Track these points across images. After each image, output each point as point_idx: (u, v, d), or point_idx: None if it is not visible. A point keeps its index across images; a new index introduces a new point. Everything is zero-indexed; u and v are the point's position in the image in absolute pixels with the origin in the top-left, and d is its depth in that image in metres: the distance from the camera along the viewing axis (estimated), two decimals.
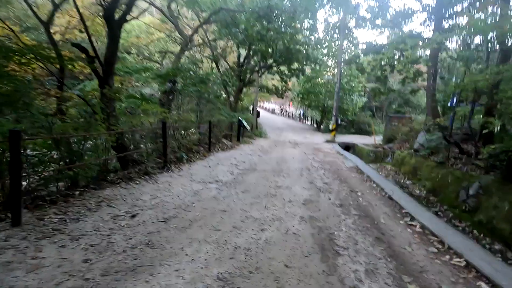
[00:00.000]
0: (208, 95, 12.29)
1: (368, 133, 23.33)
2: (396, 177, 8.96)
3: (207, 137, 9.00)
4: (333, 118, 17.74)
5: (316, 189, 5.78)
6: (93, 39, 14.90)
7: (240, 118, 12.21)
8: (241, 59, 18.25)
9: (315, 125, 27.73)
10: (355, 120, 23.86)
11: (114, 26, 6.10)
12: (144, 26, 20.84)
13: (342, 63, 17.73)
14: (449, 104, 12.84)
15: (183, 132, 8.40)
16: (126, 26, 23.95)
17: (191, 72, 9.51)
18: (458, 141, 7.95)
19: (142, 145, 6.51)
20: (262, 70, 18.71)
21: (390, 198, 5.54)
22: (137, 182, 4.95)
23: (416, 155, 9.25)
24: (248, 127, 12.63)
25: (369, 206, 4.91)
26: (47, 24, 7.17)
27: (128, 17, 8.27)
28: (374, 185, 6.56)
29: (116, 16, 6.30)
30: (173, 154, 7.01)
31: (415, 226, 4.20)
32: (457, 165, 7.17)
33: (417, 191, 7.40)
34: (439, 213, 5.67)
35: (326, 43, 19.96)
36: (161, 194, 4.49)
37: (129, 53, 21.35)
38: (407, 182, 8.33)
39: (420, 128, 13.85)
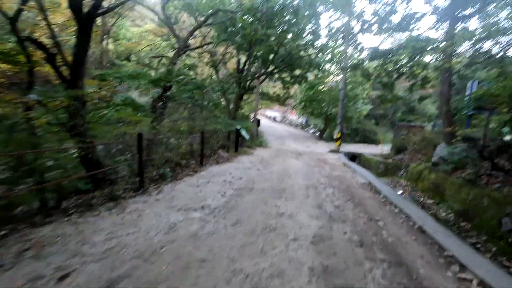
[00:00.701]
0: (206, 102, 11.25)
1: (373, 142, 22.10)
2: (413, 194, 7.74)
3: (200, 148, 7.85)
4: (337, 126, 16.56)
5: (327, 216, 4.57)
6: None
7: (238, 127, 11.07)
8: (242, 65, 17.24)
9: (317, 134, 26.54)
10: (360, 128, 22.66)
11: (83, 19, 5.03)
12: (144, 33, 20.06)
13: (347, 69, 16.63)
14: (465, 112, 11.58)
15: (172, 143, 7.25)
16: (127, 34, 23.21)
17: (181, 77, 8.41)
18: (490, 154, 6.74)
19: (120, 161, 5.36)
20: (263, 77, 17.67)
21: (421, 230, 4.31)
22: (96, 212, 3.77)
23: (435, 169, 8.04)
24: (247, 137, 11.49)
25: (399, 245, 3.69)
26: (13, 20, 6.12)
27: (109, 12, 7.24)
28: (396, 210, 5.33)
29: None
30: (156, 171, 5.85)
31: (471, 281, 2.97)
32: (493, 184, 5.96)
33: (443, 214, 6.18)
34: (478, 245, 4.45)
35: (329, 50, 18.93)
36: (122, 232, 3.30)
37: (129, 60, 20.53)
38: (428, 201, 7.11)
39: (434, 137, 12.65)
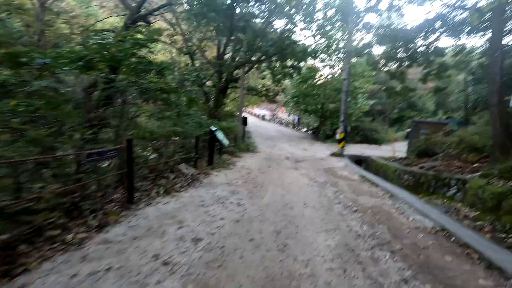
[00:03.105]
0: (174, 96, 7.51)
1: (375, 141, 18.71)
2: (500, 237, 4.21)
3: (127, 172, 4.00)
4: (340, 125, 12.96)
5: None
6: None
7: (212, 128, 7.24)
8: (223, 50, 13.36)
9: (310, 132, 23.01)
10: (359, 126, 19.18)
11: None
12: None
13: (351, 54, 12.98)
14: None
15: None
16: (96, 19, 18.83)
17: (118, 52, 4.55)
18: None
19: None
20: (249, 65, 13.85)
21: None
22: None
23: None
24: (226, 142, 7.68)
25: None
26: None
27: None
28: None
29: None
30: None
31: None
32: None
33: None
34: None
35: (327, 34, 15.28)
36: None
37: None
38: None
39: (474, 139, 9.19)
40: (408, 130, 22.62)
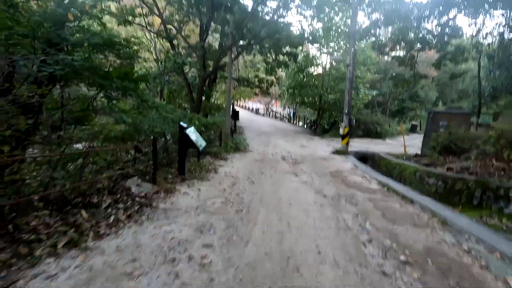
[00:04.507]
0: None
1: (379, 135, 16.72)
2: None
3: None
4: (344, 118, 10.90)
5: None
6: None
7: (182, 124, 5.10)
8: (205, 34, 11.12)
9: (306, 127, 21.00)
10: (361, 119, 17.15)
11: None
12: None
13: (355, 36, 10.84)
14: None
15: None
16: None
17: None
18: None
19: None
20: (238, 50, 11.65)
21: None
22: None
23: None
24: (201, 145, 5.48)
25: None
26: None
27: None
28: None
29: None
30: None
31: None
32: None
33: None
34: None
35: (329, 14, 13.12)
36: None
37: None
38: None
39: None
40: (412, 122, 20.75)
